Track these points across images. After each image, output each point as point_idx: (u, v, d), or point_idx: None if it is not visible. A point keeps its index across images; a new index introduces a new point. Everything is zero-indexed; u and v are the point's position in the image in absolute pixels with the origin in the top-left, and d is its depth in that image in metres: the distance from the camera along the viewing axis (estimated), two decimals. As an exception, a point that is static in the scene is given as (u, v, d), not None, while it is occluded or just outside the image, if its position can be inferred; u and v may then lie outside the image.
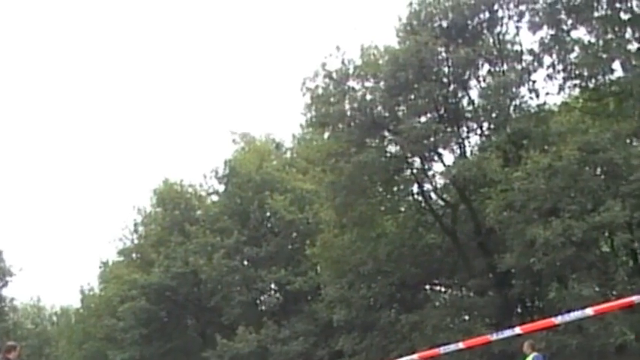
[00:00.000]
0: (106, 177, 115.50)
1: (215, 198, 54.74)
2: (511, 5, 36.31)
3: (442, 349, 9.77)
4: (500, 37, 37.08)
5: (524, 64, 36.49)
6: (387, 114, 37.51)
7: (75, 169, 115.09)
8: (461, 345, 9.64)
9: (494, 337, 9.62)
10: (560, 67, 35.02)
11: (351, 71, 37.58)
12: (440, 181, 39.82)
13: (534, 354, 22.41)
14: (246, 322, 47.92)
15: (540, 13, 35.06)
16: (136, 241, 57.10)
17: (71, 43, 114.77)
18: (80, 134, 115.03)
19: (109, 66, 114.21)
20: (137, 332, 51.74)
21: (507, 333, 8.90)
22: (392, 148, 38.56)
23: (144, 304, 50.98)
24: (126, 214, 69.67)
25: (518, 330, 8.74)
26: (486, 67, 37.41)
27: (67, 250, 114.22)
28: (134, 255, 56.92)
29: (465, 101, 38.24)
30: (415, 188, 40.22)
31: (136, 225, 56.93)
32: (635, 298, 8.56)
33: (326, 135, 40.18)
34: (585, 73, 34.34)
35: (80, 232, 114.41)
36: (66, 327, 68.93)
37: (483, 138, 38.05)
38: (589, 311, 7.99)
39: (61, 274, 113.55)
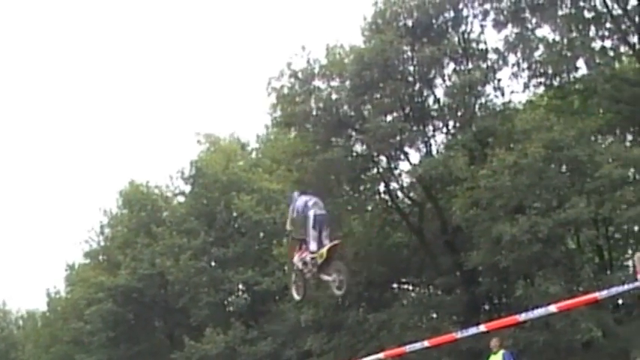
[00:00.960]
0: (71, 179, 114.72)
1: (181, 199, 54.45)
2: (476, 4, 36.41)
3: (408, 348, 9.74)
4: (466, 35, 37.17)
5: (489, 63, 36.67)
6: (352, 113, 37.51)
7: (39, 170, 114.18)
8: (426, 343, 9.61)
9: (459, 335, 9.58)
10: (525, 65, 35.26)
11: (316, 71, 37.52)
12: (406, 180, 39.91)
13: (503, 351, 22.44)
14: (214, 323, 47.69)
15: (505, 12, 35.26)
16: (102, 243, 56.69)
17: (33, 43, 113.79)
18: (44, 136, 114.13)
19: (73, 67, 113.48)
20: (104, 335, 51.35)
21: (472, 331, 8.88)
22: (358, 148, 38.57)
23: (111, 306, 50.61)
24: (92, 216, 69.24)
25: (482, 328, 8.74)
26: (452, 65, 37.48)
27: (33, 253, 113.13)
28: (100, 257, 56.49)
29: (430, 100, 38.31)
30: (382, 187, 40.24)
31: (102, 227, 56.53)
32: (598, 295, 8.56)
33: (292, 134, 40.11)
34: (550, 71, 34.58)
35: (45, 235, 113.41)
36: (32, 331, 68.33)
37: (449, 136, 38.15)
38: (552, 308, 7.99)
39: (27, 278, 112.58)
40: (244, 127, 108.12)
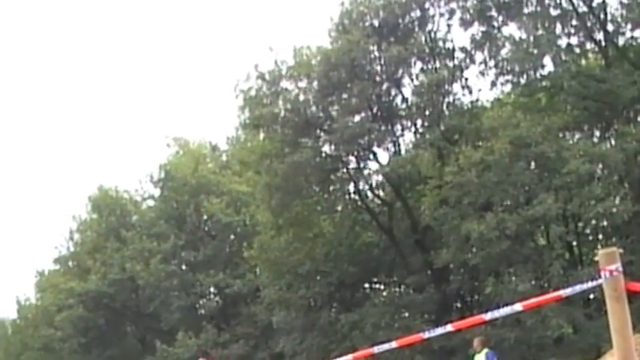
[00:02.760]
0: (39, 185, 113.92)
1: (151, 203, 54.34)
2: (442, 3, 36.49)
3: (376, 349, 9.68)
4: (432, 34, 37.22)
5: (456, 61, 36.75)
6: (320, 114, 37.51)
7: (6, 177, 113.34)
8: (394, 344, 9.55)
9: (426, 335, 9.53)
10: (491, 63, 35.34)
11: (283, 72, 37.46)
12: (375, 180, 39.94)
13: (486, 350, 22.36)
14: (185, 326, 47.63)
15: (471, 11, 35.34)
16: (71, 249, 56.44)
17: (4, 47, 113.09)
18: (10, 142, 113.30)
19: (41, 71, 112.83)
20: (75, 341, 51.20)
21: (439, 330, 8.85)
22: (326, 148, 38.53)
23: (81, 312, 50.46)
24: (61, 222, 68.89)
25: (449, 327, 8.72)
26: (419, 64, 37.51)
27: (1, 260, 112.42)
28: (70, 263, 56.26)
29: (398, 99, 38.34)
30: (351, 187, 40.22)
31: (71, 232, 56.29)
32: (562, 292, 8.56)
33: (261, 136, 40.06)
34: (517, 69, 34.65)
35: (14, 242, 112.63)
36: (2, 338, 67.79)
37: (418, 135, 38.22)
38: (518, 306, 7.97)
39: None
40: (215, 129, 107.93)
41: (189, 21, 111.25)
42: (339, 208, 41.43)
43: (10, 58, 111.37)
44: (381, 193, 40.44)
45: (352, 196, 40.66)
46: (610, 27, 34.19)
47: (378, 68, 37.27)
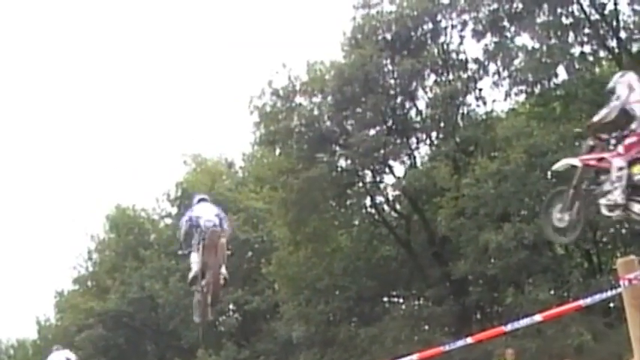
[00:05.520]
0: (57, 205, 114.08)
1: (168, 221, 54.31)
2: (454, 15, 36.54)
3: (397, 363, 9.74)
4: (445, 46, 37.26)
5: (469, 73, 36.78)
6: (335, 128, 37.56)
7: (25, 198, 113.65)
8: (415, 358, 9.58)
9: (446, 347, 9.55)
10: (505, 73, 35.36)
11: (297, 87, 37.53)
12: (392, 193, 39.93)
13: None
14: (205, 344, 47.61)
15: (483, 22, 35.37)
16: (90, 269, 56.59)
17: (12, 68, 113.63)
18: (27, 164, 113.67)
19: (59, 90, 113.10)
20: (96, 361, 51.28)
21: (459, 343, 8.89)
22: (342, 163, 38.59)
23: (101, 331, 50.53)
24: (79, 242, 69.13)
25: (469, 340, 8.75)
26: (432, 77, 37.60)
27: (21, 281, 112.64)
28: (89, 283, 56.40)
29: (412, 112, 38.40)
30: (368, 201, 40.25)
31: (89, 252, 56.45)
32: (582, 302, 8.59)
33: (277, 152, 40.11)
34: (530, 79, 34.65)
35: (33, 263, 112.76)
36: (23, 359, 68.10)
37: (433, 148, 38.22)
38: (537, 317, 8.02)
39: (16, 306, 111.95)
40: (231, 145, 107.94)
41: (203, 39, 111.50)
42: (356, 222, 41.43)
43: (31, 76, 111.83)
44: (398, 206, 40.36)
45: (369, 210, 40.66)
46: (623, 34, 34.13)
47: (392, 81, 37.31)
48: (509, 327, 8.39)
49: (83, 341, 50.94)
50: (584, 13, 34.01)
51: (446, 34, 37.13)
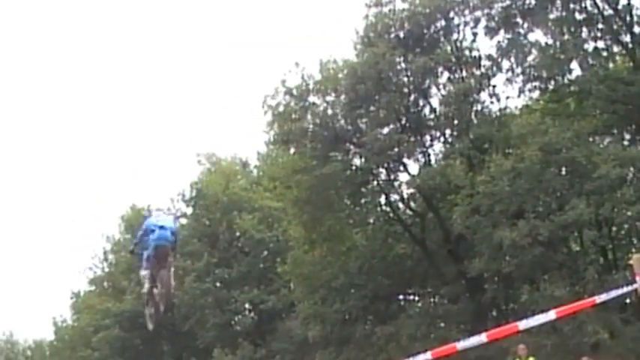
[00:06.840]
0: (72, 206, 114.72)
1: (183, 221, 54.51)
2: (466, 12, 36.47)
3: (410, 360, 9.72)
4: (458, 43, 37.19)
5: (483, 70, 36.68)
6: (349, 127, 37.53)
7: (41, 200, 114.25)
8: (429, 355, 9.56)
9: (460, 345, 9.54)
10: (518, 70, 35.24)
11: (311, 87, 37.47)
12: (406, 191, 39.86)
13: (532, 358, 22.21)
14: (221, 344, 47.71)
15: (496, 18, 35.31)
16: (106, 270, 56.85)
17: (27, 71, 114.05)
18: (45, 165, 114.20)
19: (72, 93, 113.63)
20: (113, 361, 51.46)
21: (474, 340, 8.86)
22: (357, 161, 38.53)
23: (118, 332, 50.72)
24: (95, 243, 69.27)
25: (484, 337, 8.72)
26: (446, 74, 37.51)
27: (38, 282, 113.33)
28: (105, 283, 56.62)
29: (426, 110, 38.34)
30: (382, 199, 40.17)
31: (105, 253, 56.71)
32: (596, 298, 8.55)
33: (291, 151, 40.08)
34: (544, 75, 34.54)
35: (49, 264, 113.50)
36: (40, 360, 68.49)
37: (447, 145, 38.11)
38: (552, 314, 7.99)
39: (33, 308, 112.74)
40: (246, 145, 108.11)
41: (217, 39, 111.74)
42: (371, 220, 41.39)
43: (44, 78, 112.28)
44: (413, 204, 40.28)
45: (384, 208, 40.58)
46: (637, 29, 33.96)
47: (405, 79, 37.25)
48: (523, 324, 8.36)
49: (100, 342, 51.20)
50: (598, 8, 33.87)
51: (459, 31, 37.09)
